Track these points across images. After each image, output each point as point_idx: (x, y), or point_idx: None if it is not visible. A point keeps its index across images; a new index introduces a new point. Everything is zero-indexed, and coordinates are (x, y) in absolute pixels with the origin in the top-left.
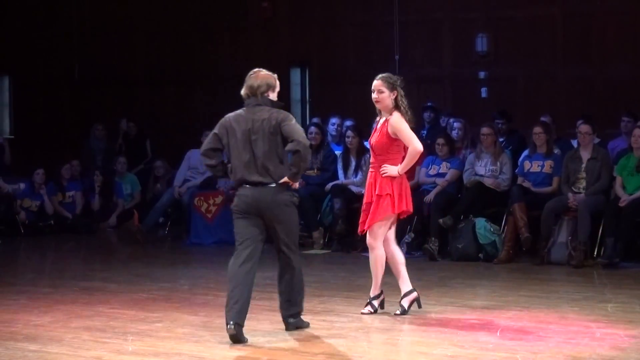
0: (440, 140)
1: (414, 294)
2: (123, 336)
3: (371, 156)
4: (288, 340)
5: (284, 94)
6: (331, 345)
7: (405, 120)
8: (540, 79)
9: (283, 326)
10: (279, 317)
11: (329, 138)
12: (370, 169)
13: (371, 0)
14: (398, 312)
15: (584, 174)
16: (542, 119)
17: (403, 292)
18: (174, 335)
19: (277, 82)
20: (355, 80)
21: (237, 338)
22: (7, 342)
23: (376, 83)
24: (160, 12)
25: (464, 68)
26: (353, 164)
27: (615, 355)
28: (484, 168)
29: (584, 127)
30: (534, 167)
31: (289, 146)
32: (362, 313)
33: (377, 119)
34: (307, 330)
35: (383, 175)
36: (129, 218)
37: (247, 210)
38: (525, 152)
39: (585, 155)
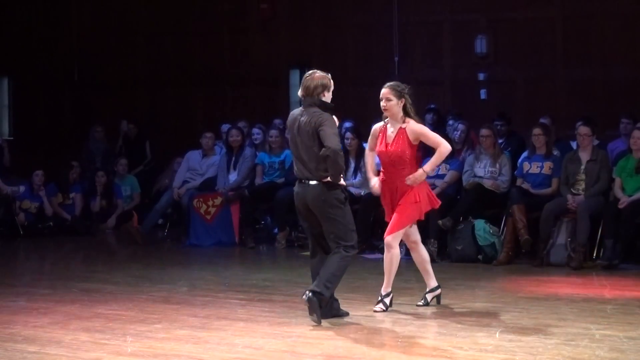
0: None
1: (438, 291)
2: (122, 337)
3: (382, 166)
4: (287, 341)
5: (284, 95)
6: (330, 347)
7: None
8: (539, 81)
9: (282, 327)
10: (277, 318)
11: None
12: (382, 178)
13: (371, 1)
14: (420, 303)
15: (583, 176)
16: (542, 120)
17: (430, 286)
18: (173, 337)
19: (332, 82)
20: (354, 81)
21: (312, 307)
22: (6, 343)
23: (384, 91)
24: (159, 13)
25: (464, 70)
26: (352, 165)
27: (615, 357)
28: (483, 169)
29: (583, 129)
30: (533, 168)
31: (322, 152)
32: (375, 311)
33: (381, 126)
34: (306, 331)
35: (413, 185)
36: (128, 219)
37: (298, 207)
38: (525, 154)
39: (584, 156)
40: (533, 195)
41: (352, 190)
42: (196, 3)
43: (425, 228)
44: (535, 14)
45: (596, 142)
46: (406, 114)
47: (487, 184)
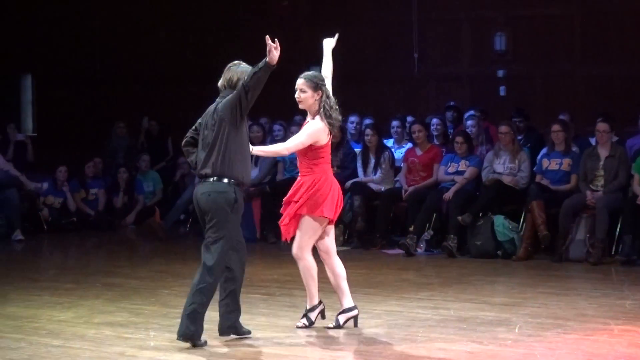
0: (458, 139)
1: (354, 312)
2: (145, 332)
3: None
4: (308, 336)
5: None
6: (352, 341)
7: (325, 125)
8: (558, 78)
9: (303, 323)
10: (298, 313)
11: (349, 136)
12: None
13: None
14: (331, 325)
15: (601, 172)
16: (561, 117)
17: (344, 307)
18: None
19: None
20: (374, 79)
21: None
22: (30, 337)
23: (299, 82)
24: (181, 10)
25: (483, 67)
26: (372, 161)
27: (634, 352)
28: (503, 166)
29: (602, 126)
30: (552, 165)
31: (241, 90)
32: (297, 327)
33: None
34: (326, 326)
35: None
36: (150, 215)
37: (196, 207)
38: (544, 150)
39: (603, 153)
40: (552, 191)
41: (373, 186)
42: (217, 1)
43: (445, 224)
44: (553, 11)
45: (615, 138)
46: (320, 108)
47: (506, 180)
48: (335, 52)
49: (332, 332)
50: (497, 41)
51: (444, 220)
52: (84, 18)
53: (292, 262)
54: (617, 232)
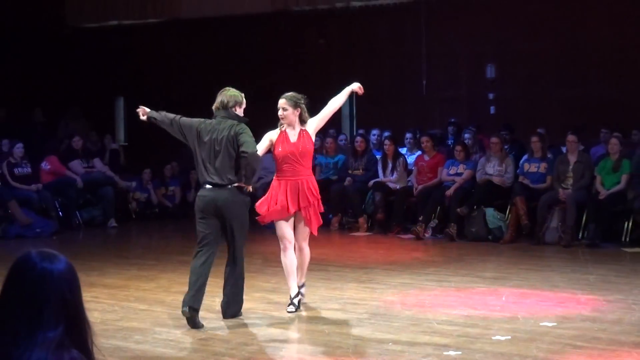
0: (458, 147)
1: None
2: (212, 298)
3: (286, 165)
4: (339, 302)
5: (336, 111)
6: (373, 306)
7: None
8: (537, 99)
9: (335, 291)
10: (332, 284)
11: (371, 145)
12: (281, 178)
13: (404, 37)
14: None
15: (571, 174)
16: (539, 130)
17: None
18: (250, 298)
19: (244, 100)
20: (391, 100)
21: (192, 321)
22: (122, 302)
23: (281, 102)
24: (245, 46)
25: (477, 91)
26: (390, 165)
27: (596, 316)
28: (493, 169)
29: (571, 137)
30: (532, 168)
31: (240, 153)
32: (288, 311)
33: (280, 132)
34: (354, 294)
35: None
36: None
37: (204, 209)
38: (525, 157)
39: (572, 159)
40: (532, 189)
41: (390, 185)
42: (269, 39)
43: (447, 214)
44: (534, 46)
45: (581, 147)
46: (302, 122)
47: (496, 180)
48: (360, 78)
49: (356, 298)
50: (489, 70)
51: (446, 212)
52: (163, 54)
53: (326, 244)
54: (583, 221)
